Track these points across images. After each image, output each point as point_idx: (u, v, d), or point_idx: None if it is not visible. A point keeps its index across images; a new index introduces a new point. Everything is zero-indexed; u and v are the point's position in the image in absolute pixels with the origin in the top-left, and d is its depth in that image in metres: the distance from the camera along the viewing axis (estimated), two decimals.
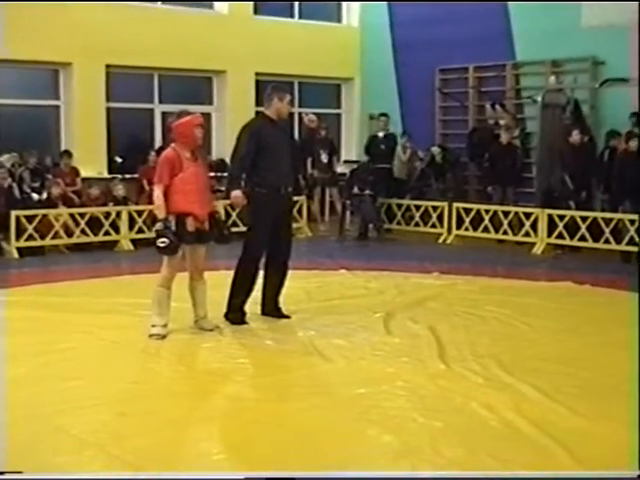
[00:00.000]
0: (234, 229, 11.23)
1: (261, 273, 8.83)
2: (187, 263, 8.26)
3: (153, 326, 8.03)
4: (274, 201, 8.60)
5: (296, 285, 9.82)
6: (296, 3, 19.67)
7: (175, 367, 7.40)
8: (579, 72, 16.21)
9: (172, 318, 8.18)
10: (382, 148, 17.18)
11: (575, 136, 14.52)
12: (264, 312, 8.93)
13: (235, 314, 8.68)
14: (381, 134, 17.46)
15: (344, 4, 20.33)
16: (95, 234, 14.31)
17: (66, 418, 5.78)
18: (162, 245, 7.86)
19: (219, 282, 8.73)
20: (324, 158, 17.11)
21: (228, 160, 11.67)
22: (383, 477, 5.02)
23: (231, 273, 8.72)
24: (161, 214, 7.96)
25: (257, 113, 14.95)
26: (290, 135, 9.43)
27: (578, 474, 4.97)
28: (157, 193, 7.98)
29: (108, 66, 16.89)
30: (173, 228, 7.91)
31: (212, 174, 13.34)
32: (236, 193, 8.52)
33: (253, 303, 8.85)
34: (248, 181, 8.69)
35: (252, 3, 18.75)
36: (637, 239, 12.93)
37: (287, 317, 8.90)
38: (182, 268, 8.23)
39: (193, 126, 8.08)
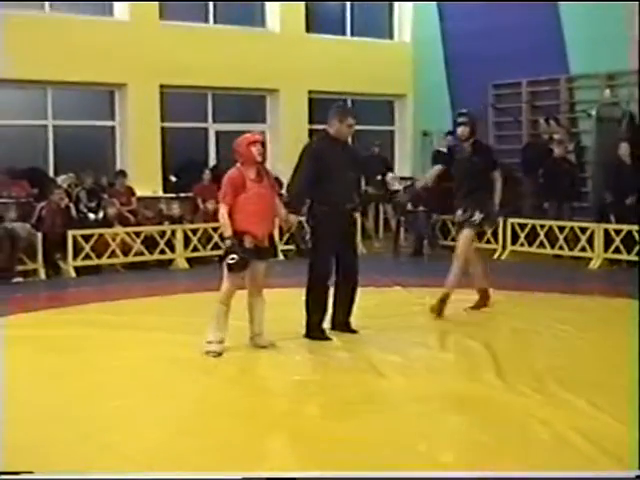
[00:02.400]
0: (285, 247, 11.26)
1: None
2: (246, 280, 8.29)
3: (209, 342, 8.06)
4: (336, 218, 8.67)
5: None
6: (348, 20, 19.74)
7: (231, 385, 7.41)
8: (634, 85, 16.03)
9: (228, 335, 8.19)
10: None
11: (624, 149, 14.39)
12: (334, 327, 8.97)
13: (315, 332, 8.73)
14: (445, 150, 17.28)
15: (395, 20, 20.33)
16: (151, 253, 14.44)
17: (118, 436, 5.82)
18: (232, 262, 7.93)
19: (274, 300, 8.73)
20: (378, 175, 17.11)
21: (282, 178, 11.75)
22: (383, 477, 5.01)
23: (285, 291, 8.73)
24: (227, 232, 8.03)
25: (310, 131, 15.00)
26: (354, 152, 9.42)
27: (577, 474, 4.92)
28: (222, 212, 8.08)
29: (162, 86, 17.07)
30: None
31: None
32: (291, 217, 8.57)
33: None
34: (311, 200, 8.78)
35: (304, 21, 18.83)
36: None
37: (355, 332, 8.96)
38: (242, 285, 8.27)
39: (248, 144, 8.11)
